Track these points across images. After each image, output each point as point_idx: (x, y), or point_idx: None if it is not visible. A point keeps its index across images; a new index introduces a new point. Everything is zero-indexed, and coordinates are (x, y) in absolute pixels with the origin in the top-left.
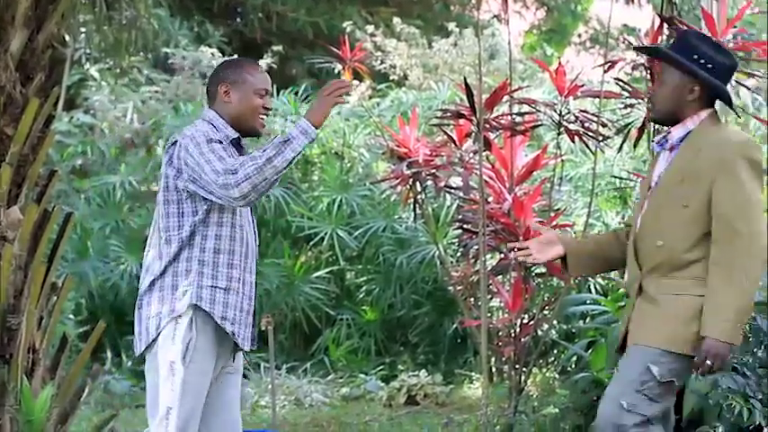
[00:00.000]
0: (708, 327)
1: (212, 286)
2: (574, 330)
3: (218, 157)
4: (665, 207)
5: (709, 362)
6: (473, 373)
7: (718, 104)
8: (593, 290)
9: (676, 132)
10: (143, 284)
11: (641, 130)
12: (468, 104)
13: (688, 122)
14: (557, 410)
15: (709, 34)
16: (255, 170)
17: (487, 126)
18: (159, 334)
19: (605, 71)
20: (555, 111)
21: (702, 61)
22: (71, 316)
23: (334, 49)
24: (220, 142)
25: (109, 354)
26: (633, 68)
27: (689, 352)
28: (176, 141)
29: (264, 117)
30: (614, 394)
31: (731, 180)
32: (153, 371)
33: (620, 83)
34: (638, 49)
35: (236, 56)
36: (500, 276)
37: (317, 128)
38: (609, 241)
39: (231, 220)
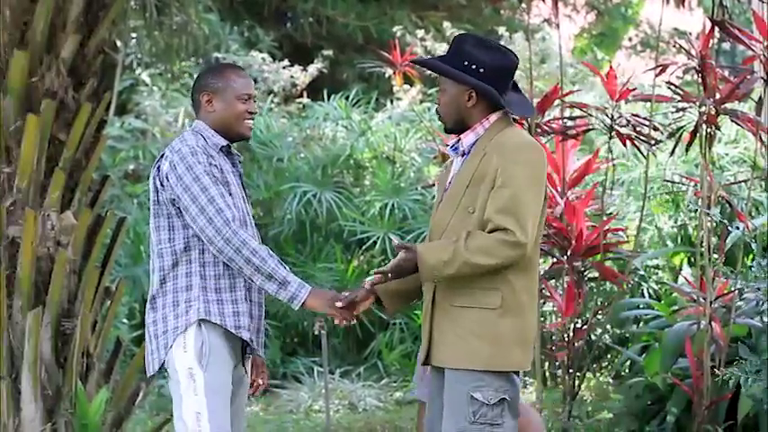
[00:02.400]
0: (426, 246)
1: (218, 300)
2: (627, 335)
3: (210, 197)
4: (453, 213)
5: (404, 254)
6: (527, 378)
7: None
8: (646, 294)
9: (467, 139)
10: (148, 300)
11: (693, 133)
12: None
13: (478, 128)
14: (611, 415)
15: (759, 36)
16: (244, 259)
17: (539, 130)
18: (168, 352)
19: (656, 75)
20: (606, 115)
21: (474, 66)
22: (125, 320)
23: (385, 54)
24: (210, 156)
25: None
26: (685, 72)
27: (498, 368)
28: (163, 154)
29: (251, 121)
30: None
31: (505, 183)
32: (174, 384)
33: (672, 86)
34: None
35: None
36: (553, 281)
37: (302, 306)
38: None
39: None
